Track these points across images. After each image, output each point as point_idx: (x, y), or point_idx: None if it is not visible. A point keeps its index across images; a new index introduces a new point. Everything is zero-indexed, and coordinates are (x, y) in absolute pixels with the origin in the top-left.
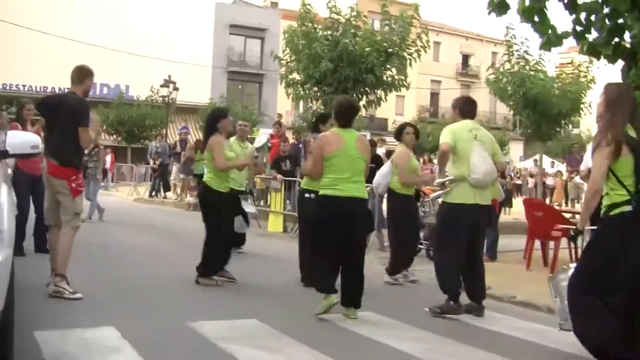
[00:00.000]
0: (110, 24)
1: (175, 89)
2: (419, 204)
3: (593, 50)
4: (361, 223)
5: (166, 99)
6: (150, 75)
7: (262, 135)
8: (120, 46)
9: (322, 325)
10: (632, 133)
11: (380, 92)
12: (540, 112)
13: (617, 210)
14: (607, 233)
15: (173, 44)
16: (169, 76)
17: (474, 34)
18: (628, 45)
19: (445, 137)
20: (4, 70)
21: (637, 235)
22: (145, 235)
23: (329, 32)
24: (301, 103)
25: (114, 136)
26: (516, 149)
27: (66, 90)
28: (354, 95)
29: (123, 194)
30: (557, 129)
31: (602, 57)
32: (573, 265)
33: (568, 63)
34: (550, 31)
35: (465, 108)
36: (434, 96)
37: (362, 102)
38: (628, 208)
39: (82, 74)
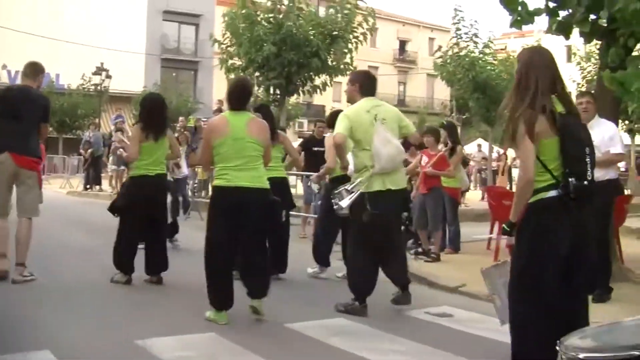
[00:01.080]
0: (39, 10)
1: (108, 76)
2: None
3: (563, 29)
4: (255, 215)
5: (99, 87)
6: (82, 63)
7: None
8: (50, 33)
9: (291, 337)
10: (559, 107)
11: (325, 77)
12: (489, 97)
13: (538, 197)
14: (526, 223)
15: (105, 31)
16: (101, 64)
17: (411, 19)
18: (604, 24)
19: (340, 126)
20: None
21: (563, 223)
22: (77, 232)
23: (272, 15)
24: None
25: None
26: None
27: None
28: (299, 79)
29: (55, 186)
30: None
31: (571, 36)
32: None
33: (502, 49)
34: (520, 8)
35: (366, 83)
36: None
37: (307, 87)
38: (551, 193)
39: (37, 70)
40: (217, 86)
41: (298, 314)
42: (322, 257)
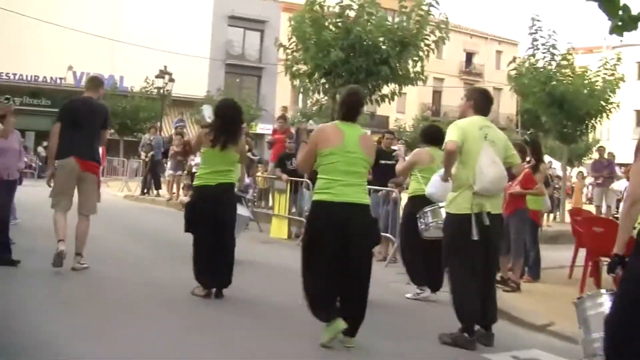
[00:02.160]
0: (104, 12)
1: (171, 80)
2: (417, 215)
3: None
4: (361, 234)
5: (161, 90)
6: (146, 66)
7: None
8: (114, 35)
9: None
10: None
11: (394, 86)
12: (567, 112)
13: None
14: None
15: (170, 35)
16: (165, 67)
17: (478, 31)
18: None
19: (452, 134)
20: None
21: None
22: (128, 241)
23: (340, 20)
24: (300, 97)
25: None
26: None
27: (82, 94)
28: (367, 87)
29: (113, 189)
30: (583, 130)
31: None
32: (604, 291)
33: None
34: (622, 12)
35: (482, 101)
36: (436, 94)
37: (375, 96)
38: None
39: (97, 83)
40: (281, 93)
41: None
42: (417, 277)
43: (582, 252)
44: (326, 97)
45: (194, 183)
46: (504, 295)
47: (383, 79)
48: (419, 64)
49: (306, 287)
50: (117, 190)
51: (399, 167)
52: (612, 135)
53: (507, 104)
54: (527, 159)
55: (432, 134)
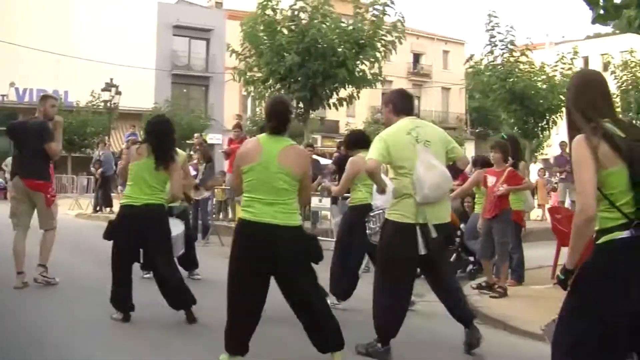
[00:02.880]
0: (47, 25)
1: (118, 92)
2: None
3: None
4: (289, 256)
5: (108, 103)
6: (91, 79)
7: None
8: (58, 49)
9: None
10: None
11: (351, 89)
12: (527, 108)
13: (607, 238)
14: (591, 269)
15: (114, 47)
16: (111, 79)
17: (424, 32)
18: None
19: (372, 151)
20: None
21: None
22: (82, 262)
23: (294, 22)
24: (249, 105)
25: None
26: (469, 149)
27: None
28: (324, 91)
29: (64, 207)
30: (544, 126)
31: None
32: None
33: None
34: (603, 2)
35: (399, 102)
36: (385, 97)
37: (333, 100)
38: (623, 234)
39: (41, 100)
40: (229, 102)
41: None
42: (340, 291)
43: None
44: None
45: (120, 201)
46: (492, 302)
47: (340, 82)
48: (376, 65)
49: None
50: (68, 209)
51: (335, 187)
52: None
53: (456, 104)
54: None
55: (357, 140)
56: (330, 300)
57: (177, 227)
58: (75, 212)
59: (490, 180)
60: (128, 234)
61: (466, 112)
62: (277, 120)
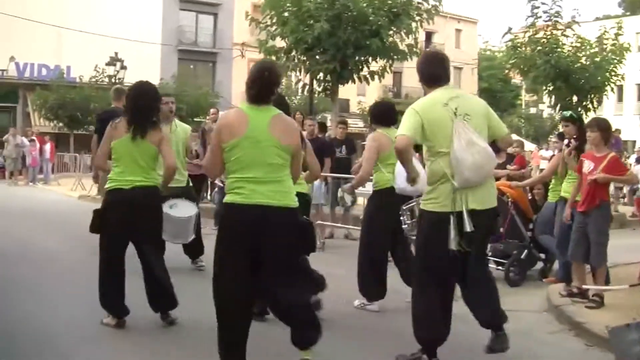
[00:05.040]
0: None
1: (123, 67)
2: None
3: None
4: (280, 241)
5: (113, 79)
6: (94, 54)
7: None
8: (60, 22)
9: None
10: None
11: (383, 62)
12: (572, 86)
13: None
14: None
15: (118, 21)
16: (116, 53)
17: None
18: None
19: (403, 126)
20: None
21: None
22: (81, 253)
23: None
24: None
25: (54, 122)
26: None
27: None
28: (355, 64)
29: (65, 188)
30: (588, 106)
31: None
32: None
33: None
34: None
35: (430, 67)
36: (397, 75)
37: (364, 73)
38: None
39: (119, 93)
40: (237, 78)
41: None
42: (368, 291)
43: None
44: (306, 76)
45: (105, 187)
46: (589, 314)
47: (373, 53)
48: (411, 36)
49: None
50: (70, 189)
51: (360, 174)
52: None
53: (467, 83)
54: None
55: (382, 113)
56: (360, 301)
57: (189, 209)
58: (78, 193)
59: (587, 166)
60: (117, 223)
61: (478, 92)
62: (262, 88)
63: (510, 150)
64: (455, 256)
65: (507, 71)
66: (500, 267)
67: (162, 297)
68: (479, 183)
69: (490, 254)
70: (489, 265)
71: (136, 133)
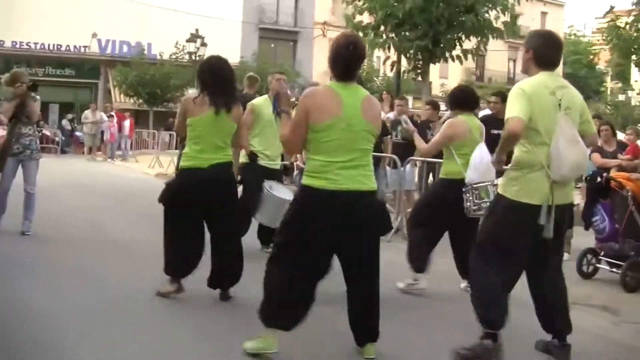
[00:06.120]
0: None
1: (204, 44)
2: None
3: None
4: (369, 227)
5: (193, 56)
6: (175, 31)
7: None
8: None
9: None
10: None
11: (476, 40)
12: None
13: None
14: None
15: None
16: (196, 30)
17: None
18: None
19: (515, 107)
20: (13, 27)
21: None
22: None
23: None
24: None
25: (134, 99)
26: None
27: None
28: (448, 42)
29: (143, 165)
30: None
31: None
32: None
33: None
34: None
35: (545, 49)
36: (480, 58)
37: (457, 52)
38: None
39: (253, 81)
40: (318, 58)
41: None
42: (418, 261)
43: None
44: (394, 54)
45: (180, 164)
46: None
47: (467, 30)
48: (507, 12)
49: (274, 286)
50: (147, 167)
51: (424, 144)
52: None
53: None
54: None
55: (464, 98)
56: (405, 282)
57: (286, 193)
58: (155, 170)
59: None
60: (191, 202)
61: (563, 77)
62: (351, 63)
63: (624, 138)
64: (525, 247)
65: (592, 56)
66: (614, 270)
67: (224, 276)
68: (571, 180)
69: (601, 253)
70: (602, 266)
71: (221, 107)
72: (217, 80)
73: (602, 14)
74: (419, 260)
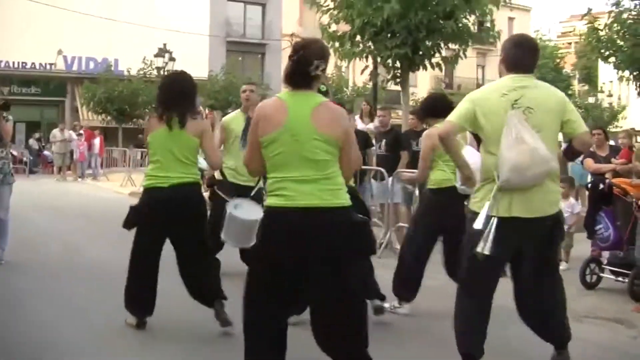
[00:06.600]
0: None
1: (172, 59)
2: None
3: None
4: (338, 248)
5: (161, 71)
6: (142, 47)
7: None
8: (107, 14)
9: None
10: None
11: (456, 47)
12: None
13: None
14: None
15: (166, 13)
16: (164, 45)
17: None
18: None
19: (453, 113)
20: None
21: None
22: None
23: None
24: None
25: (102, 116)
26: None
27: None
28: (427, 49)
29: (115, 184)
30: None
31: None
32: None
33: (570, 32)
34: None
35: (514, 53)
36: (449, 65)
37: (436, 59)
38: None
39: None
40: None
41: None
42: (406, 289)
43: None
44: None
45: (143, 184)
46: None
47: (447, 36)
48: (488, 17)
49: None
50: (119, 186)
51: (415, 174)
52: None
53: None
54: None
55: (435, 106)
56: (389, 303)
57: (255, 212)
58: (128, 189)
59: None
60: (155, 220)
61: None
62: (297, 68)
63: (619, 142)
64: (497, 262)
65: (558, 60)
66: (620, 279)
67: (198, 294)
68: (523, 187)
69: (605, 262)
70: (606, 275)
71: (173, 122)
72: (171, 96)
73: (581, 17)
74: (407, 286)
